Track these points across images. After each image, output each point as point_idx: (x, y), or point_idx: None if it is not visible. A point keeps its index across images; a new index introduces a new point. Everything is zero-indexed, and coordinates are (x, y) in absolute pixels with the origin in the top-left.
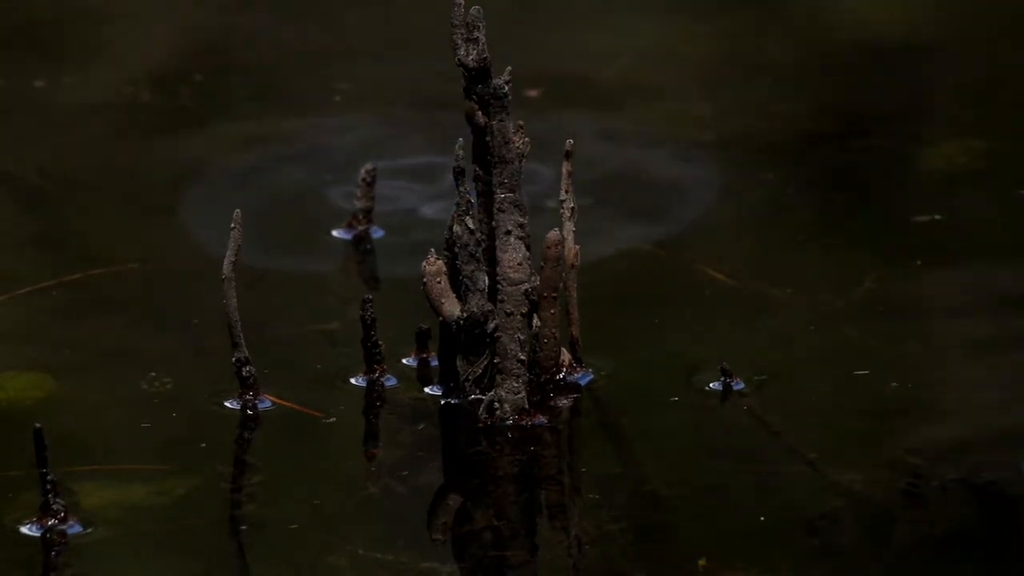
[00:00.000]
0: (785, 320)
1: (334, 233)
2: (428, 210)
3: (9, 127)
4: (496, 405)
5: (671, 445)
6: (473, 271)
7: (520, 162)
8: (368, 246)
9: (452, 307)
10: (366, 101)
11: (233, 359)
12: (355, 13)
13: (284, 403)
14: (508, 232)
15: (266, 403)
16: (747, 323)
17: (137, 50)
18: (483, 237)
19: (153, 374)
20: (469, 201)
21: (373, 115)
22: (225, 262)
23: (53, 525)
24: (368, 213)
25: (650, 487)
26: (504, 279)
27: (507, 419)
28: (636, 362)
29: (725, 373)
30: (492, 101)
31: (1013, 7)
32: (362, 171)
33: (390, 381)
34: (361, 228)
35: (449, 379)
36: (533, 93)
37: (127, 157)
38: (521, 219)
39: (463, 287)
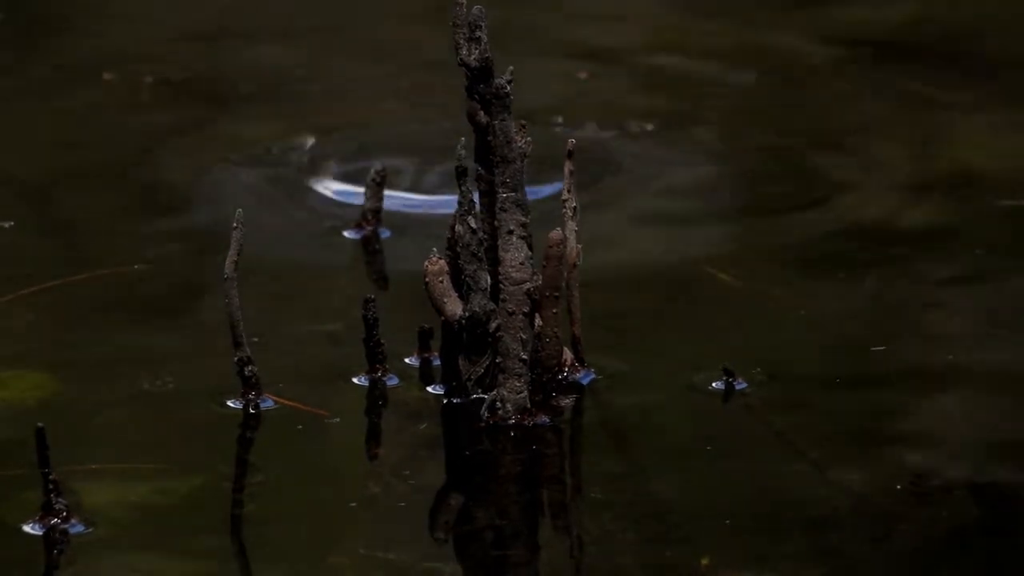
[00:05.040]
0: (787, 320)
1: (344, 234)
2: (435, 210)
3: (10, 127)
4: (498, 404)
5: (673, 445)
6: (475, 270)
7: (522, 161)
8: (376, 246)
9: (454, 306)
10: (372, 100)
11: (235, 358)
12: (358, 10)
13: (288, 403)
14: (510, 231)
15: (268, 402)
16: (749, 323)
17: (140, 49)
18: (485, 236)
19: (155, 373)
20: (471, 200)
21: (378, 113)
22: (227, 261)
23: (55, 524)
24: (377, 213)
25: (652, 486)
26: (506, 278)
27: (509, 418)
28: (638, 362)
29: (727, 373)
30: (494, 100)
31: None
32: (371, 171)
33: (392, 381)
34: (369, 228)
35: (451, 378)
36: (583, 75)
37: (129, 157)
38: (523, 218)
39: (465, 286)
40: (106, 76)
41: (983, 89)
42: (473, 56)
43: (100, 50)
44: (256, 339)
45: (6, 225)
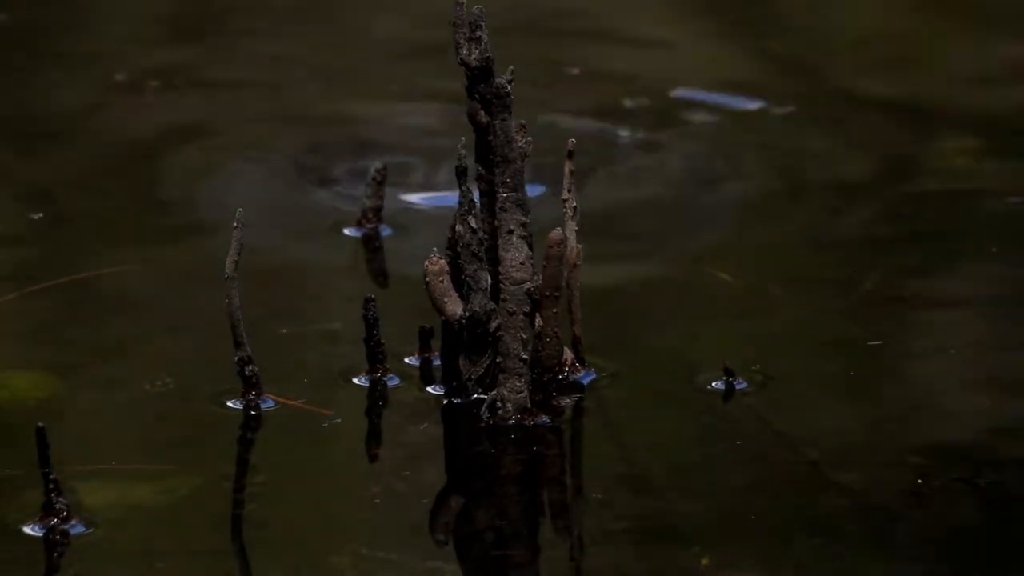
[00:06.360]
0: (788, 320)
1: (345, 231)
2: (435, 209)
3: (11, 127)
4: (498, 404)
5: (673, 444)
6: (475, 270)
7: (522, 161)
8: (377, 244)
9: (455, 306)
10: (372, 99)
11: (235, 358)
12: (358, 10)
13: (290, 402)
14: (510, 231)
15: (269, 402)
16: (750, 322)
17: (139, 48)
18: (485, 236)
19: (155, 373)
20: (471, 200)
21: (381, 112)
22: (228, 261)
23: (55, 524)
24: (377, 212)
25: (652, 486)
26: (506, 278)
27: (509, 418)
28: (639, 361)
29: (728, 372)
30: (494, 100)
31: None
32: (372, 170)
33: (393, 380)
34: (370, 227)
35: (452, 378)
36: (576, 71)
37: (130, 156)
38: (523, 218)
39: (465, 286)
40: (118, 77)
41: None
42: (473, 56)
43: (103, 51)
44: (301, 324)
45: (35, 217)
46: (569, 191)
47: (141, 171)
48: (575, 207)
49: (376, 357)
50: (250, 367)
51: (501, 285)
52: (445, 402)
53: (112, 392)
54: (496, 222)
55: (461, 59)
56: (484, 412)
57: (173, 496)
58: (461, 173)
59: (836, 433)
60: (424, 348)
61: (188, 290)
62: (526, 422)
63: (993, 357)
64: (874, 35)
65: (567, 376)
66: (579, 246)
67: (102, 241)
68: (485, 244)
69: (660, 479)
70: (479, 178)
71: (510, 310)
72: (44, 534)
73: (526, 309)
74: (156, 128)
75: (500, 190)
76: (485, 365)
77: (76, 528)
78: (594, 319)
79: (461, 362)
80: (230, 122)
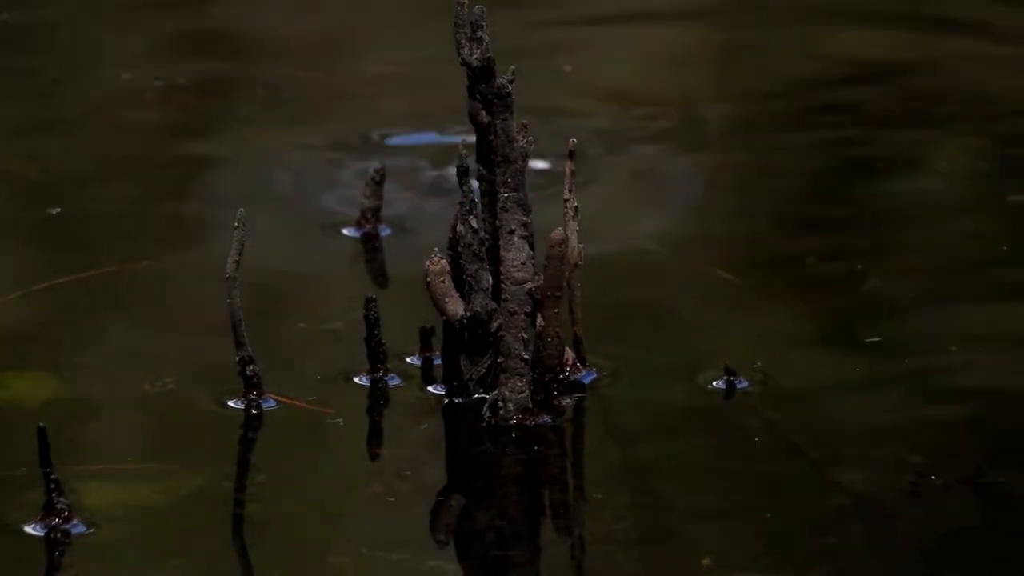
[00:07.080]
0: (788, 319)
1: (344, 232)
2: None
3: (13, 126)
4: (500, 404)
5: (674, 444)
6: (477, 270)
7: (524, 161)
8: (376, 244)
9: (456, 306)
10: (372, 99)
11: (236, 358)
12: (359, 10)
13: (292, 402)
14: (511, 231)
15: (270, 402)
16: (751, 322)
17: (141, 48)
18: (487, 236)
19: (156, 373)
20: (472, 200)
21: (382, 112)
22: (229, 261)
23: (57, 524)
24: (376, 212)
25: (653, 486)
26: (507, 278)
27: (511, 418)
28: (640, 361)
29: (729, 372)
30: (495, 100)
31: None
32: (370, 170)
33: (394, 380)
34: (369, 227)
35: (453, 378)
36: (567, 68)
37: (131, 157)
38: (524, 218)
39: (467, 286)
40: (124, 76)
41: None
42: (475, 56)
43: (107, 51)
44: (302, 324)
45: (53, 212)
46: (570, 191)
47: (141, 171)
48: (576, 207)
49: (377, 357)
50: (251, 367)
51: (502, 285)
52: (446, 402)
53: (112, 392)
54: (497, 222)
55: (462, 59)
56: (485, 412)
57: (174, 496)
58: (462, 173)
59: (836, 433)
60: (425, 348)
61: (188, 290)
62: (527, 422)
63: (993, 356)
64: None
65: (568, 376)
66: (580, 246)
67: (104, 241)
68: (486, 244)
69: (660, 479)
70: (480, 178)
71: (511, 310)
72: (45, 534)
73: (527, 309)
74: (158, 127)
75: (501, 190)
76: (486, 365)
77: (77, 528)
78: (595, 319)
79: (462, 362)
80: (231, 122)
